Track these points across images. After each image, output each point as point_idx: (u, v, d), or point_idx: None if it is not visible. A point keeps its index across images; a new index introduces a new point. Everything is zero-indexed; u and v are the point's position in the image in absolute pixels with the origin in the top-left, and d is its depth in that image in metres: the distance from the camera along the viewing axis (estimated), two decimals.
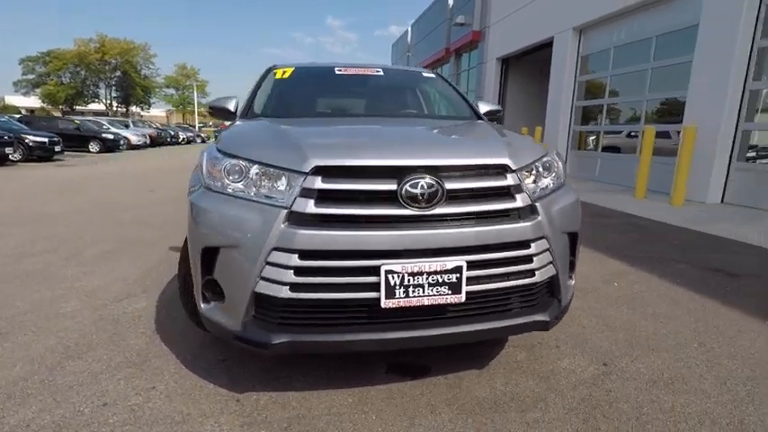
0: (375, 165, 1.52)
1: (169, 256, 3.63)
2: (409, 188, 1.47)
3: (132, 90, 47.17)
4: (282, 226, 1.45)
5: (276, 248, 1.45)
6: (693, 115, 6.93)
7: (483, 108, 2.90)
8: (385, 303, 1.47)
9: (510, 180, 1.61)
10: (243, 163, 1.63)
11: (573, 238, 1.82)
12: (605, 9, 9.29)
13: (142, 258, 3.60)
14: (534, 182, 1.72)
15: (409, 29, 26.99)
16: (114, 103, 49.12)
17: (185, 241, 2.10)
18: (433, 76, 3.24)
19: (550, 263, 1.67)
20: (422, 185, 1.48)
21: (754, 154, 6.76)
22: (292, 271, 1.45)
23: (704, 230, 4.81)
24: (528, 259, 1.61)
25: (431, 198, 1.48)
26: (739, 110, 6.46)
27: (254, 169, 1.60)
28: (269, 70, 3.02)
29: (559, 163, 1.90)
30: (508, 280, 1.59)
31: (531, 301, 1.70)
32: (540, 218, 1.62)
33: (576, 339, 2.27)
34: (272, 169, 1.56)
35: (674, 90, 7.89)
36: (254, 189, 1.58)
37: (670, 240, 4.36)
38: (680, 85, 7.42)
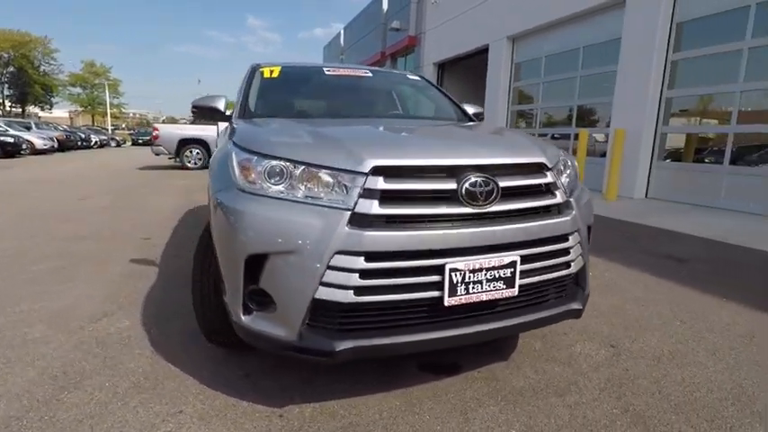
0: (432, 164, 1.53)
1: (134, 270, 3.31)
2: (469, 187, 1.50)
3: (29, 88, 42.00)
4: (347, 228, 1.40)
5: (340, 252, 1.39)
6: (619, 120, 7.71)
7: (469, 110, 3.01)
8: (448, 301, 1.48)
9: (549, 177, 1.70)
10: (284, 164, 1.55)
11: (589, 231, 1.96)
12: (536, 21, 10.02)
13: (102, 274, 3.24)
14: (563, 179, 1.83)
15: (342, 31, 26.99)
16: (7, 103, 43.40)
17: (199, 252, 1.96)
18: (418, 78, 3.29)
19: (581, 254, 1.78)
20: (479, 184, 1.51)
21: (668, 154, 7.68)
22: (358, 274, 1.41)
23: (642, 222, 5.38)
24: (566, 252, 1.71)
25: (487, 196, 1.52)
26: (657, 115, 7.31)
27: (301, 171, 1.52)
28: (254, 69, 2.88)
29: (574, 161, 2.03)
30: (551, 272, 1.68)
31: (564, 291, 1.80)
32: (574, 212, 1.73)
33: (578, 326, 2.44)
34: (323, 170, 1.51)
35: (601, 96, 8.71)
36: (301, 191, 1.51)
37: (620, 232, 4.83)
38: (607, 92, 8.22)
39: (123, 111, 66.22)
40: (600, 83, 8.62)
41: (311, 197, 1.49)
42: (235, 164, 1.65)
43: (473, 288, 1.51)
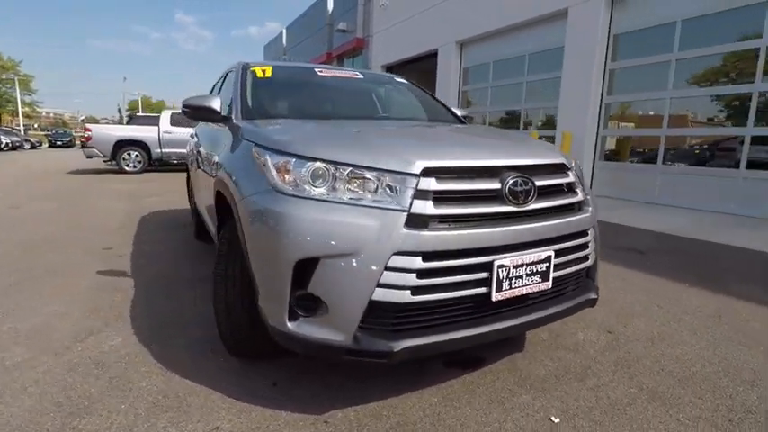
0: (478, 165, 1.58)
1: (105, 283, 3.06)
2: (511, 186, 1.57)
3: None
4: (404, 229, 1.41)
5: (398, 252, 1.41)
6: (565, 123, 8.28)
7: (458, 113, 3.12)
8: (495, 296, 1.54)
9: (571, 177, 1.82)
10: (327, 166, 1.53)
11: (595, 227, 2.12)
12: (484, 28, 10.48)
13: (70, 288, 2.96)
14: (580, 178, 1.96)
15: (284, 31, 26.46)
16: None
17: (221, 259, 1.86)
18: (405, 81, 3.34)
19: (594, 248, 1.93)
20: (520, 183, 1.58)
21: (607, 153, 8.37)
22: (415, 274, 1.43)
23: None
24: (586, 246, 1.84)
25: (527, 195, 1.60)
26: (598, 119, 7.94)
27: (347, 173, 1.51)
28: (244, 68, 2.78)
29: (577, 162, 2.19)
30: (575, 265, 1.80)
31: (580, 282, 1.93)
32: (591, 208, 1.86)
33: (574, 315, 2.61)
34: (370, 172, 1.50)
35: (547, 101, 9.28)
36: (345, 193, 1.50)
37: None
38: (552, 97, 8.79)
39: (37, 110, 60.04)
40: (546, 88, 9.19)
41: (357, 199, 1.48)
42: (271, 166, 1.59)
43: (515, 283, 1.58)
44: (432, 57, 12.70)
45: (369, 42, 16.27)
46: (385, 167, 1.50)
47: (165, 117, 11.74)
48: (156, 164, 12.02)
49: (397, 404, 1.73)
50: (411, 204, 1.44)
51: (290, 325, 1.51)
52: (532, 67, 9.54)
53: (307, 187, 1.52)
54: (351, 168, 1.52)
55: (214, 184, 2.21)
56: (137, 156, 11.69)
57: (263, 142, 1.73)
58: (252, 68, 2.78)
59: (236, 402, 1.72)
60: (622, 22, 7.59)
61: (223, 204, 2.01)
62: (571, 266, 1.78)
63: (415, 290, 1.44)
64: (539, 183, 1.64)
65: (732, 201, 6.15)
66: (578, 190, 1.83)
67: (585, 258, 1.85)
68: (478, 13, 10.48)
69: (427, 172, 1.48)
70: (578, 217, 1.78)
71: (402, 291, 1.43)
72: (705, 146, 7.23)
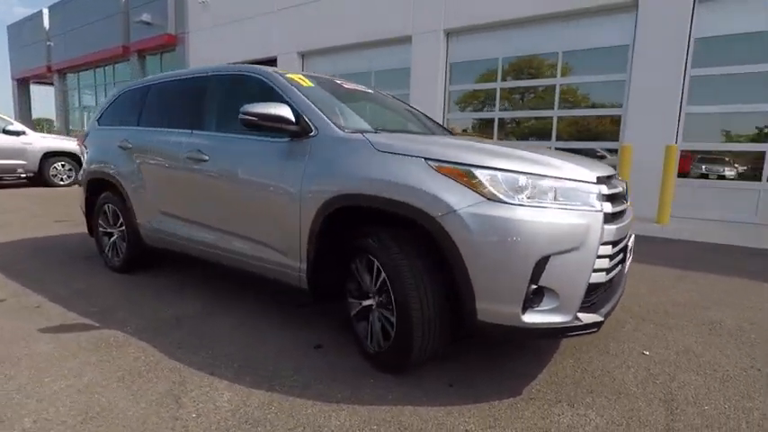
0: (608, 174, 2.10)
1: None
2: (622, 190, 2.16)
3: None
4: (606, 225, 1.83)
5: (603, 243, 1.82)
6: None
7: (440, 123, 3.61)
8: (625, 270, 2.12)
9: None
10: (529, 178, 1.81)
11: None
12: (328, 42, 11.00)
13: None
14: None
15: (46, 11, 21.09)
16: None
17: (408, 283, 1.85)
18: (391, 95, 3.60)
19: None
20: (622, 188, 2.19)
21: None
22: (608, 258, 1.86)
23: None
24: None
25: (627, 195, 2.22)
26: None
27: (547, 182, 1.82)
28: (282, 75, 2.60)
29: None
30: None
31: None
32: None
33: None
34: (561, 182, 1.84)
35: None
36: (548, 198, 1.80)
37: None
38: None
39: None
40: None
41: (564, 203, 1.82)
42: (484, 180, 1.77)
43: (628, 260, 2.19)
44: (269, 63, 12.48)
45: (185, 40, 14.69)
46: (575, 177, 1.87)
47: None
48: None
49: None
50: (602, 205, 1.87)
51: (524, 318, 1.74)
52: (379, 84, 10.56)
53: (519, 196, 1.77)
54: (549, 179, 1.83)
55: (321, 206, 2.12)
56: (69, 168, 9.97)
57: (453, 158, 1.85)
58: (288, 75, 2.62)
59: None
60: (455, 54, 9.28)
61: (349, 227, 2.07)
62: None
63: (607, 271, 1.88)
64: None
65: None
66: None
67: None
68: (323, 27, 10.92)
69: (599, 180, 1.93)
70: None
71: (602, 273, 1.85)
72: None
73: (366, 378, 2.01)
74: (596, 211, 1.84)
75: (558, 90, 8.12)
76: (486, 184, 1.77)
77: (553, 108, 8.19)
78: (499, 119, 8.98)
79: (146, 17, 15.31)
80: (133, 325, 2.57)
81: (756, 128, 6.69)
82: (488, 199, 1.75)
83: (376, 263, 2.00)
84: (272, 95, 2.48)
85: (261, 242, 2.47)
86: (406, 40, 9.64)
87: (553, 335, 1.85)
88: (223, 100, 2.84)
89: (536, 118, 8.64)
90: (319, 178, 2.16)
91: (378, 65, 10.50)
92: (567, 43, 7.93)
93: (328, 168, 2.15)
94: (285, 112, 2.25)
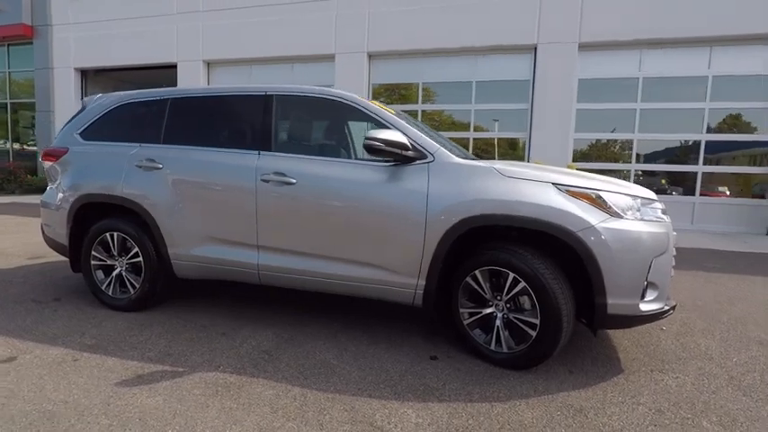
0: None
1: None
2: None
3: None
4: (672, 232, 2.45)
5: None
6: None
7: None
8: None
9: None
10: (633, 198, 2.34)
11: None
12: (238, 54, 10.57)
13: None
14: None
15: None
16: None
17: (556, 289, 2.21)
18: None
19: None
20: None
21: None
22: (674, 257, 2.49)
23: None
24: None
25: None
26: None
27: (639, 201, 2.36)
28: (367, 101, 2.72)
29: None
30: None
31: None
32: None
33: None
34: (642, 200, 2.40)
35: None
36: (638, 213, 2.36)
37: None
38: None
39: None
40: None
41: (652, 216, 2.38)
42: (608, 201, 2.24)
43: None
44: (167, 69, 11.37)
45: (46, 34, 12.40)
46: (650, 197, 2.45)
47: None
48: None
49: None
50: (667, 217, 2.48)
51: (641, 306, 2.24)
52: None
53: (630, 212, 2.28)
54: (641, 198, 2.38)
55: (452, 227, 2.34)
56: None
57: (580, 184, 2.29)
58: (372, 101, 2.76)
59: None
60: (375, 77, 9.83)
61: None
62: None
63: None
64: None
65: None
66: None
67: None
68: (239, 37, 10.44)
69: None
70: None
71: (672, 268, 2.46)
72: None
73: (504, 378, 2.27)
74: (667, 222, 2.45)
75: (472, 115, 9.25)
76: (611, 204, 2.23)
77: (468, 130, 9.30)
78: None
79: None
80: (223, 364, 2.36)
81: (625, 151, 8.68)
82: (612, 216, 2.21)
83: (511, 274, 2.29)
84: (370, 120, 2.59)
85: (367, 263, 2.53)
86: (328, 57, 9.83)
87: (656, 318, 2.37)
88: (297, 122, 2.80)
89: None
90: (449, 201, 2.36)
91: (299, 81, 10.44)
92: (479, 74, 9.12)
93: (458, 192, 2.38)
94: (404, 138, 2.40)
